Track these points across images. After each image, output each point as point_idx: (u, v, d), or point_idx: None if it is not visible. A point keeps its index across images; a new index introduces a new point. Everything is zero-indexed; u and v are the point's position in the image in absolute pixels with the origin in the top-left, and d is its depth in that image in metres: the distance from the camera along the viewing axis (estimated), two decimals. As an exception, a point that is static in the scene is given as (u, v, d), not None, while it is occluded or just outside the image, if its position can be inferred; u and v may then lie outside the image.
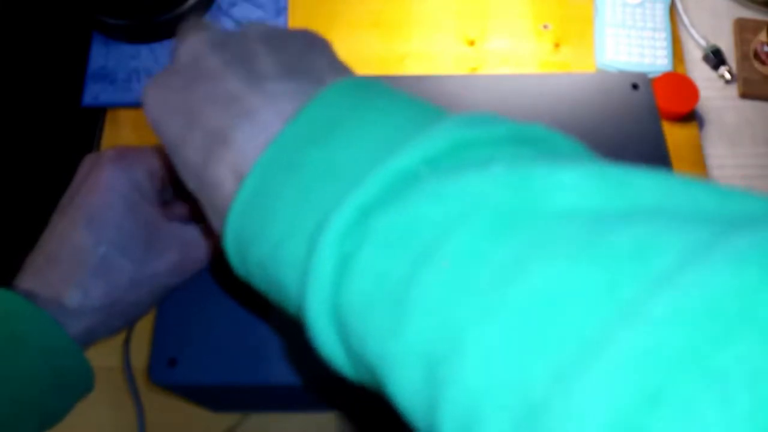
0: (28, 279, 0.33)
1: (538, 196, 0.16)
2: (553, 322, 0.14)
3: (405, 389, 0.17)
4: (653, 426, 0.11)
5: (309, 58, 0.25)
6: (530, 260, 0.15)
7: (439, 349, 0.16)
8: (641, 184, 0.16)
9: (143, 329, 0.46)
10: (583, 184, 0.16)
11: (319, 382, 0.35)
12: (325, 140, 0.21)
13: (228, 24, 0.61)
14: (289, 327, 0.35)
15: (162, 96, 0.25)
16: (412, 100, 0.23)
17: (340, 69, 0.25)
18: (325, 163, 0.20)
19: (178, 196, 0.37)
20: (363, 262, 0.18)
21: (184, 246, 0.35)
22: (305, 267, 0.19)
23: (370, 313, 0.18)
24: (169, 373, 0.34)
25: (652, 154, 0.40)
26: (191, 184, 0.25)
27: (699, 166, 0.56)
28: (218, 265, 0.37)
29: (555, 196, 0.16)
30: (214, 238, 0.36)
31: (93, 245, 0.33)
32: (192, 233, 0.35)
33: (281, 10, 0.62)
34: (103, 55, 0.60)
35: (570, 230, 0.15)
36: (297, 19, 0.62)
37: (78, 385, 0.33)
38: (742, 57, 0.61)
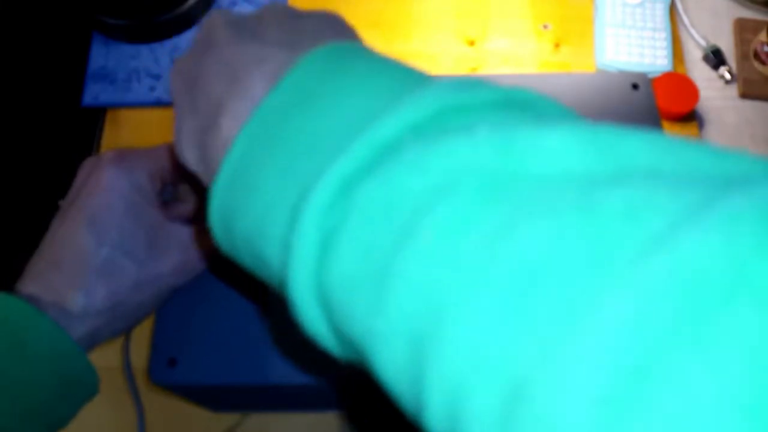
0: (30, 283, 0.33)
1: (523, 160, 0.16)
2: (538, 292, 0.13)
3: (390, 367, 0.16)
4: (641, 399, 0.11)
5: (316, 33, 0.24)
6: (516, 226, 0.14)
7: (422, 324, 0.15)
8: (632, 146, 0.15)
9: (143, 329, 0.45)
10: (571, 147, 0.15)
11: (320, 379, 0.35)
12: (305, 109, 0.20)
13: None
14: (284, 320, 0.35)
15: (179, 70, 0.25)
16: (395, 64, 0.22)
17: (345, 39, 0.24)
18: (306, 133, 0.20)
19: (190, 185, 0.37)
20: (346, 238, 0.17)
21: (186, 247, 0.35)
22: (287, 242, 0.19)
23: (354, 290, 0.17)
24: (169, 373, 0.34)
25: None
26: (193, 159, 0.24)
27: (699, 166, 0.56)
28: (216, 256, 0.37)
29: (541, 160, 0.15)
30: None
31: (95, 247, 0.33)
32: (192, 234, 0.35)
33: (281, 10, 0.62)
34: (103, 55, 0.60)
35: (557, 194, 0.14)
36: (297, 19, 0.62)
37: (83, 389, 0.33)
38: (742, 57, 0.61)
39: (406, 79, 0.21)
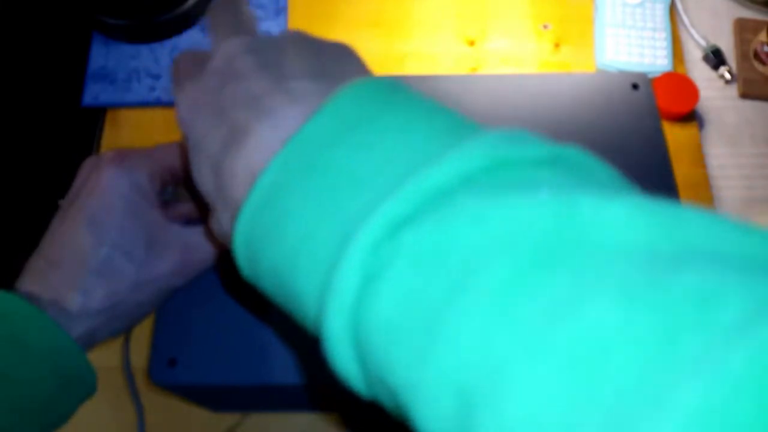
0: (30, 282, 0.33)
1: (586, 227, 0.15)
2: (608, 369, 0.13)
3: (433, 419, 0.16)
4: None
5: (338, 65, 0.24)
6: (583, 298, 0.14)
7: (476, 381, 0.15)
8: (692, 225, 0.15)
9: (143, 329, 0.45)
10: (634, 220, 0.15)
11: (319, 383, 0.35)
12: (346, 142, 0.20)
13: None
14: (288, 327, 0.35)
15: (194, 95, 0.25)
16: (437, 106, 0.22)
17: (364, 72, 0.24)
18: (348, 167, 0.19)
19: (191, 194, 0.37)
20: (392, 281, 0.17)
21: (185, 247, 0.35)
22: (327, 279, 0.18)
23: (397, 336, 0.17)
24: (169, 373, 0.34)
25: (652, 154, 0.40)
26: (207, 183, 0.24)
27: (699, 166, 0.56)
28: (224, 266, 0.36)
29: (605, 230, 0.15)
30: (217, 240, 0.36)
31: (94, 247, 0.33)
32: (193, 235, 0.35)
33: (281, 10, 0.62)
34: (103, 55, 0.60)
35: (624, 269, 0.14)
36: (297, 18, 0.62)
37: (81, 387, 0.33)
38: (742, 57, 0.61)
39: (452, 122, 0.21)
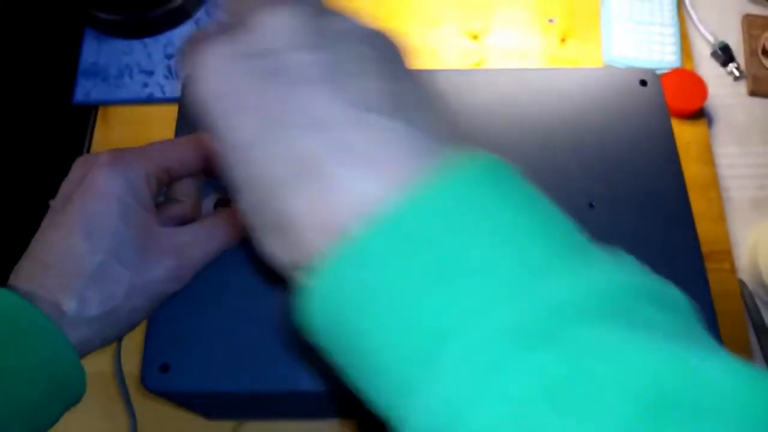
0: (22, 283, 0.32)
1: (702, 387, 0.16)
2: None
3: None
4: None
5: (407, 84, 0.21)
6: None
7: None
8: None
9: (135, 333, 0.44)
10: (741, 389, 0.16)
11: (316, 391, 0.34)
12: (463, 231, 0.18)
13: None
14: (289, 333, 0.34)
15: (227, 76, 0.21)
16: (548, 207, 0.21)
17: (438, 110, 0.22)
18: (459, 257, 0.18)
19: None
20: (516, 408, 0.16)
21: (180, 250, 0.34)
22: (433, 382, 0.17)
23: None
24: (162, 379, 0.33)
25: (662, 153, 0.40)
26: (249, 192, 0.21)
27: (708, 165, 0.55)
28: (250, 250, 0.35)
29: (716, 395, 0.16)
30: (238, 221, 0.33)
31: (90, 254, 0.32)
32: (186, 236, 0.35)
33: (279, 4, 0.61)
34: (94, 51, 0.59)
35: None
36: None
37: (70, 393, 0.33)
38: (751, 53, 0.60)
39: (568, 235, 0.20)
